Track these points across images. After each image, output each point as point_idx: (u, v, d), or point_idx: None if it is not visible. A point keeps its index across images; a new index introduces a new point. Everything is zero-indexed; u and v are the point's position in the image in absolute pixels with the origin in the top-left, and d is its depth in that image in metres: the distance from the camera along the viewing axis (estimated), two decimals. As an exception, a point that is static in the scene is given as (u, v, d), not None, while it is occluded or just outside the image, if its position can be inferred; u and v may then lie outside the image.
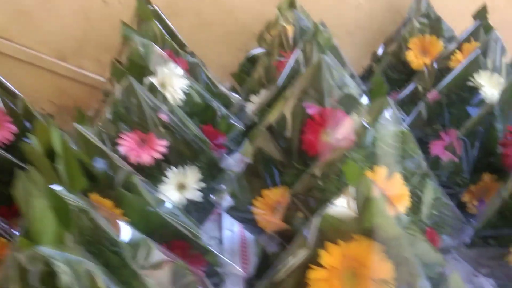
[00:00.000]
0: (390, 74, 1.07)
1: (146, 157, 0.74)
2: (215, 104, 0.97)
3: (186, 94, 0.90)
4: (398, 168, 0.59)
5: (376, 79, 0.58)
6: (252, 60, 1.14)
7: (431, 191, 0.61)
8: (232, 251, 0.91)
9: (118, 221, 0.53)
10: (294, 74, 0.89)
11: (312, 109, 0.72)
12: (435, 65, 0.95)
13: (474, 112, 0.86)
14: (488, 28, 0.88)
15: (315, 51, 0.81)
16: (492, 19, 1.30)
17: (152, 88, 0.79)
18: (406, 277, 0.46)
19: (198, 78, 1.01)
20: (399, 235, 0.44)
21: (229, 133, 0.96)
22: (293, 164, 0.71)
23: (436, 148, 0.89)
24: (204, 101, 0.93)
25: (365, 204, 0.43)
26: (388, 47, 1.18)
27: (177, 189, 0.79)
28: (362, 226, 0.44)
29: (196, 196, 0.79)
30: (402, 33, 1.05)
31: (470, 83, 0.85)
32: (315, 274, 0.46)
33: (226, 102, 1.07)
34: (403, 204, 0.59)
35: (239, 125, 0.97)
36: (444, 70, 0.95)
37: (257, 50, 1.13)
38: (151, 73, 0.83)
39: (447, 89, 0.86)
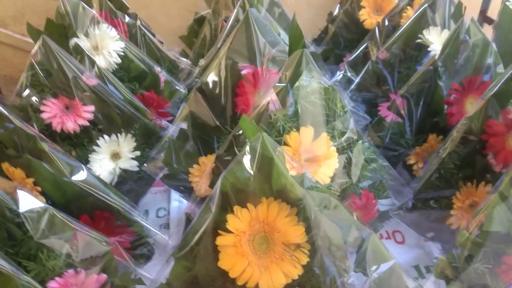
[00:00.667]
0: (344, 34, 1.02)
1: (70, 124, 0.69)
2: (157, 68, 0.92)
3: (122, 57, 0.84)
4: (325, 127, 0.56)
5: (293, 28, 0.53)
6: (200, 21, 1.08)
7: (361, 151, 0.57)
8: (179, 222, 0.88)
9: (17, 190, 0.48)
10: (230, 31, 0.83)
11: (244, 69, 0.68)
12: (387, 23, 0.90)
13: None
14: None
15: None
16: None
17: (78, 50, 0.74)
18: (319, 241, 0.44)
19: (139, 41, 0.96)
20: (304, 196, 0.41)
21: (173, 99, 0.92)
22: (227, 129, 0.67)
23: (386, 110, 0.86)
24: (143, 65, 0.88)
25: (264, 163, 0.40)
26: (343, 6, 1.13)
27: (110, 159, 0.75)
28: (265, 187, 0.41)
29: (131, 165, 0.75)
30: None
31: (419, 40, 0.81)
32: (222, 240, 0.43)
33: (173, 66, 1.02)
34: (332, 166, 0.56)
35: (183, 90, 0.92)
36: (396, 28, 0.90)
37: (205, 11, 1.07)
38: (78, 34, 0.78)
39: (395, 47, 0.82)
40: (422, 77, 0.70)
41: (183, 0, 1.15)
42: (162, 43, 1.08)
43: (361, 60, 0.95)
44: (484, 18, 1.20)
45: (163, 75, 0.92)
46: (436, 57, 0.69)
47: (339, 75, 0.96)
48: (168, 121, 0.93)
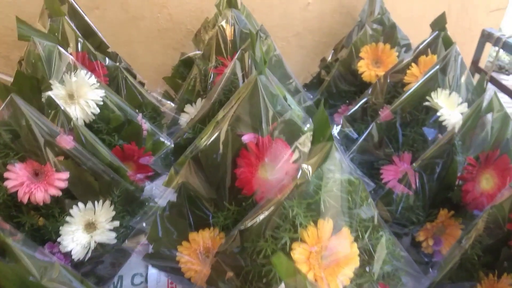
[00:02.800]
0: (339, 84, 0.97)
1: (40, 194, 0.59)
2: (139, 118, 0.83)
3: (101, 107, 0.75)
4: (346, 221, 0.48)
5: (319, 116, 0.46)
6: (187, 63, 0.99)
7: (384, 246, 0.51)
8: (157, 292, 0.79)
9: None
10: (230, 87, 0.76)
11: (247, 137, 0.60)
12: (389, 79, 0.85)
13: (431, 134, 0.78)
14: (448, 42, 0.79)
15: (252, 66, 0.68)
16: (448, 25, 1.24)
17: (52, 105, 0.64)
18: None
19: (120, 85, 0.86)
20: None
21: (157, 152, 0.83)
22: (225, 204, 0.59)
23: (388, 174, 0.80)
24: (124, 114, 0.79)
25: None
26: (338, 53, 1.08)
27: (84, 230, 0.65)
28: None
29: (109, 237, 0.65)
30: (353, 40, 0.94)
31: (427, 103, 0.76)
32: None
33: (155, 112, 0.93)
34: (352, 265, 0.49)
35: (169, 143, 0.83)
36: (398, 85, 0.86)
37: (193, 52, 0.99)
38: (52, 83, 0.68)
39: (401, 109, 0.77)
40: (438, 152, 0.64)
41: (168, 37, 1.07)
42: (143, 84, 0.99)
43: (360, 115, 0.89)
44: (476, 68, 1.19)
45: (145, 125, 0.83)
46: (456, 130, 0.63)
47: (336, 130, 0.91)
48: (148, 177, 0.84)
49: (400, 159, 0.79)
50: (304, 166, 0.44)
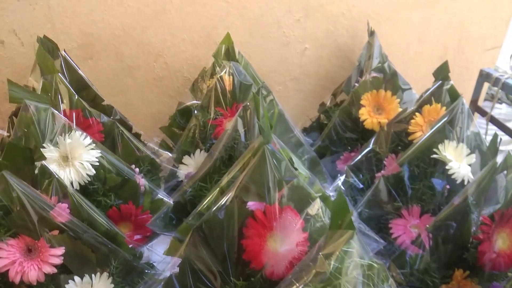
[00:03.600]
0: (340, 132, 0.95)
1: (33, 273, 0.55)
2: (137, 176, 0.80)
3: (96, 167, 0.72)
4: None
5: (338, 200, 0.44)
6: (184, 112, 0.97)
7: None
8: None
9: None
10: (232, 144, 0.73)
11: (253, 205, 0.57)
12: (392, 128, 0.83)
13: (439, 185, 0.75)
14: (454, 94, 0.78)
15: (255, 124, 0.66)
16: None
17: (45, 173, 0.60)
18: None
19: (116, 140, 0.83)
20: None
21: (156, 211, 0.79)
22: (231, 280, 0.55)
23: (398, 229, 0.77)
24: (120, 173, 0.75)
25: None
26: (337, 97, 1.06)
27: (81, 305, 0.60)
28: None
29: (107, 312, 0.61)
30: (352, 86, 0.93)
31: (434, 156, 0.74)
32: None
33: (153, 166, 0.89)
34: None
35: (168, 200, 0.80)
36: (402, 134, 0.84)
37: (190, 102, 0.97)
38: (46, 146, 0.65)
39: (408, 162, 0.74)
40: (453, 213, 0.62)
41: (164, 85, 1.05)
42: (140, 135, 0.96)
43: (365, 165, 0.87)
44: (475, 108, 1.18)
45: (142, 180, 0.79)
46: (468, 189, 0.61)
47: (340, 180, 0.88)
48: (147, 237, 0.80)
49: (409, 212, 0.76)
50: (323, 255, 0.41)
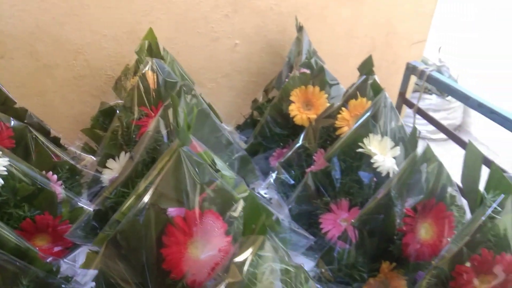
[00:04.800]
0: (272, 128, 0.94)
1: None
2: (54, 181, 0.74)
3: (5, 178, 0.65)
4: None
5: (250, 204, 0.42)
6: (107, 112, 0.92)
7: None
8: None
9: None
10: (154, 146, 0.69)
11: (174, 212, 0.54)
12: (320, 123, 0.83)
13: (366, 178, 0.76)
14: (377, 89, 0.79)
15: (175, 133, 0.63)
16: (374, 59, 1.27)
17: None
18: None
19: (29, 146, 0.77)
20: None
21: (76, 220, 0.74)
22: (151, 291, 0.52)
23: (328, 223, 0.77)
24: (33, 182, 0.69)
25: None
26: (269, 93, 1.05)
27: (-15, 330, 0.55)
28: None
29: (17, 335, 0.56)
30: (283, 84, 0.92)
31: (360, 150, 0.74)
32: None
33: (73, 172, 0.83)
34: None
35: (88, 208, 0.75)
36: (330, 129, 0.84)
37: (114, 101, 0.91)
38: None
39: (335, 157, 0.74)
40: (376, 207, 0.62)
41: (85, 84, 0.98)
42: (59, 139, 0.90)
43: (295, 161, 0.86)
44: (403, 100, 1.21)
45: (60, 190, 0.74)
46: (391, 185, 0.62)
47: (271, 177, 0.87)
48: (68, 248, 0.75)
49: (338, 207, 0.76)
50: (236, 263, 0.39)
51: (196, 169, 0.51)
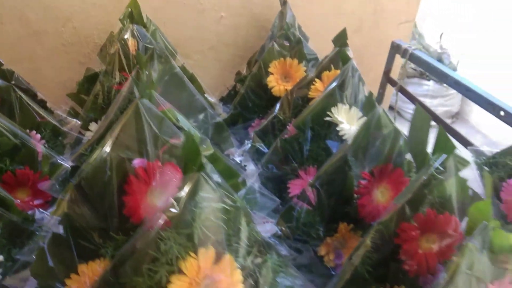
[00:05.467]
0: (251, 99, 0.97)
1: None
2: (36, 139, 0.78)
3: (-14, 131, 0.69)
4: (228, 248, 0.47)
5: (188, 144, 0.45)
6: (92, 78, 0.95)
7: (269, 270, 0.50)
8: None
9: None
10: (127, 106, 0.73)
11: (137, 162, 0.57)
12: (295, 94, 0.86)
13: (334, 146, 0.79)
14: (345, 58, 0.81)
15: (135, 86, 0.66)
16: (361, 38, 1.28)
17: None
18: None
19: (14, 105, 0.81)
20: None
21: (55, 176, 0.78)
22: (111, 235, 0.56)
23: (295, 188, 0.80)
24: (15, 138, 0.73)
25: None
26: (252, 66, 1.08)
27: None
28: None
29: (-9, 273, 0.60)
30: (262, 56, 0.95)
31: (328, 118, 0.77)
32: None
33: (56, 133, 0.87)
34: (236, 292, 0.48)
35: (67, 165, 0.79)
36: (304, 99, 0.87)
37: (100, 68, 0.95)
38: None
39: (304, 125, 0.77)
40: (332, 168, 0.65)
41: (73, 51, 1.02)
42: (45, 102, 0.93)
43: (270, 130, 0.89)
44: (387, 79, 1.23)
45: (41, 148, 0.78)
46: (346, 148, 0.64)
47: (247, 145, 0.90)
48: (48, 202, 0.79)
49: (306, 173, 0.80)
50: (173, 198, 0.43)
51: (156, 122, 0.54)
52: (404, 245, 0.57)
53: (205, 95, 0.98)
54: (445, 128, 1.03)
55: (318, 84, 0.84)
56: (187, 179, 0.45)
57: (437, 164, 0.53)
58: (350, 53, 0.84)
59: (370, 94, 0.72)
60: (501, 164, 0.74)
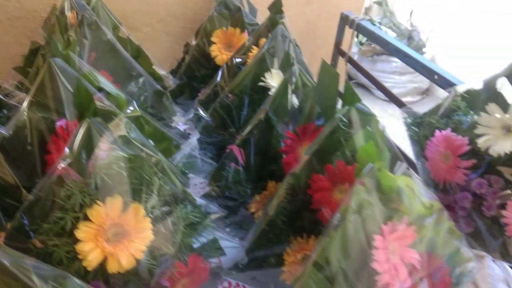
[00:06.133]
0: (196, 69, 0.98)
1: None
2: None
3: None
4: (137, 197, 0.50)
5: (78, 91, 0.47)
6: (37, 51, 0.96)
7: (180, 219, 0.53)
8: None
9: None
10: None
11: (59, 122, 0.59)
12: (234, 61, 0.88)
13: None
14: (274, 24, 0.83)
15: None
16: (313, 10, 1.30)
17: None
18: None
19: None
20: None
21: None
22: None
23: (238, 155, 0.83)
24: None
25: None
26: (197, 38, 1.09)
27: None
28: None
29: None
30: (204, 25, 0.96)
31: (261, 83, 0.79)
32: None
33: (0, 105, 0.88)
34: (145, 239, 0.50)
35: (5, 133, 0.80)
36: (243, 67, 0.89)
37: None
38: None
39: (239, 91, 0.80)
40: (254, 128, 0.68)
41: (20, 26, 1.02)
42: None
43: (213, 98, 0.91)
44: (338, 50, 1.26)
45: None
46: (266, 107, 0.67)
47: (190, 113, 0.92)
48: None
49: (242, 138, 0.82)
50: (68, 148, 0.45)
51: (71, 82, 0.56)
52: (315, 195, 0.60)
53: (154, 67, 1.00)
54: (388, 96, 1.07)
55: (255, 51, 0.86)
56: (79, 128, 0.47)
57: (339, 115, 0.56)
58: (285, 20, 0.86)
59: (287, 53, 0.75)
60: (427, 124, 0.78)
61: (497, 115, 0.64)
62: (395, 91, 1.50)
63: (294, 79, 0.66)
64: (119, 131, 0.60)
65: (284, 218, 0.60)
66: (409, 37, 2.79)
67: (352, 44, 1.20)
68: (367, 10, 2.98)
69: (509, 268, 0.84)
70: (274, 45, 0.77)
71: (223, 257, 0.65)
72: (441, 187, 0.73)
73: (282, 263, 0.62)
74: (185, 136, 0.90)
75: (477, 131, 0.66)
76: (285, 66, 0.74)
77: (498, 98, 0.64)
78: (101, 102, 0.60)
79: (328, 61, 1.30)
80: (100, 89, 0.62)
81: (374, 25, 2.71)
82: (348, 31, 1.23)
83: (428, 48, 2.70)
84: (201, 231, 0.57)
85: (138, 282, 0.53)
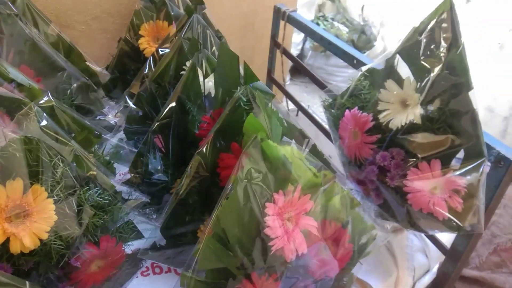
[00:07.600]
0: (128, 62, 1.00)
1: None
2: None
3: None
4: (38, 179, 0.52)
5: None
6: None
7: (86, 199, 0.55)
8: None
9: None
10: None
11: (-33, 114, 0.61)
12: (160, 52, 0.90)
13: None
14: (189, 13, 0.86)
15: None
16: (249, 3, 1.33)
17: None
18: None
19: None
20: None
21: None
22: None
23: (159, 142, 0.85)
24: None
25: None
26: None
27: None
28: None
29: None
30: (131, 19, 0.98)
31: (183, 72, 0.82)
32: None
33: None
34: (49, 219, 0.52)
35: None
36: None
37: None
38: None
39: (160, 79, 0.82)
40: (169, 112, 0.70)
41: None
42: None
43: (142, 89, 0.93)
44: (274, 43, 1.29)
45: None
46: (178, 89, 0.70)
47: (120, 106, 0.94)
48: None
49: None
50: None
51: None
52: (223, 173, 0.63)
53: (88, 63, 1.01)
54: (316, 82, 1.11)
55: (179, 42, 0.89)
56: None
57: (239, 94, 0.59)
58: (207, 11, 0.89)
59: (193, 39, 0.78)
60: (340, 104, 0.82)
61: (394, 92, 0.69)
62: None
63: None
64: (29, 119, 0.62)
65: (196, 197, 0.63)
66: (361, 31, 2.87)
67: (290, 37, 1.24)
68: (321, 7, 3.06)
69: (426, 239, 0.89)
70: (190, 34, 0.79)
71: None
72: (353, 163, 0.78)
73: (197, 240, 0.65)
74: (113, 128, 0.91)
75: (379, 107, 0.70)
76: (193, 50, 0.76)
77: (394, 75, 0.69)
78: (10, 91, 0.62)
79: (267, 54, 1.34)
80: (12, 81, 0.64)
81: (327, 21, 2.79)
82: (282, 24, 1.27)
83: (378, 42, 2.79)
84: (117, 215, 0.59)
85: (48, 263, 0.55)
